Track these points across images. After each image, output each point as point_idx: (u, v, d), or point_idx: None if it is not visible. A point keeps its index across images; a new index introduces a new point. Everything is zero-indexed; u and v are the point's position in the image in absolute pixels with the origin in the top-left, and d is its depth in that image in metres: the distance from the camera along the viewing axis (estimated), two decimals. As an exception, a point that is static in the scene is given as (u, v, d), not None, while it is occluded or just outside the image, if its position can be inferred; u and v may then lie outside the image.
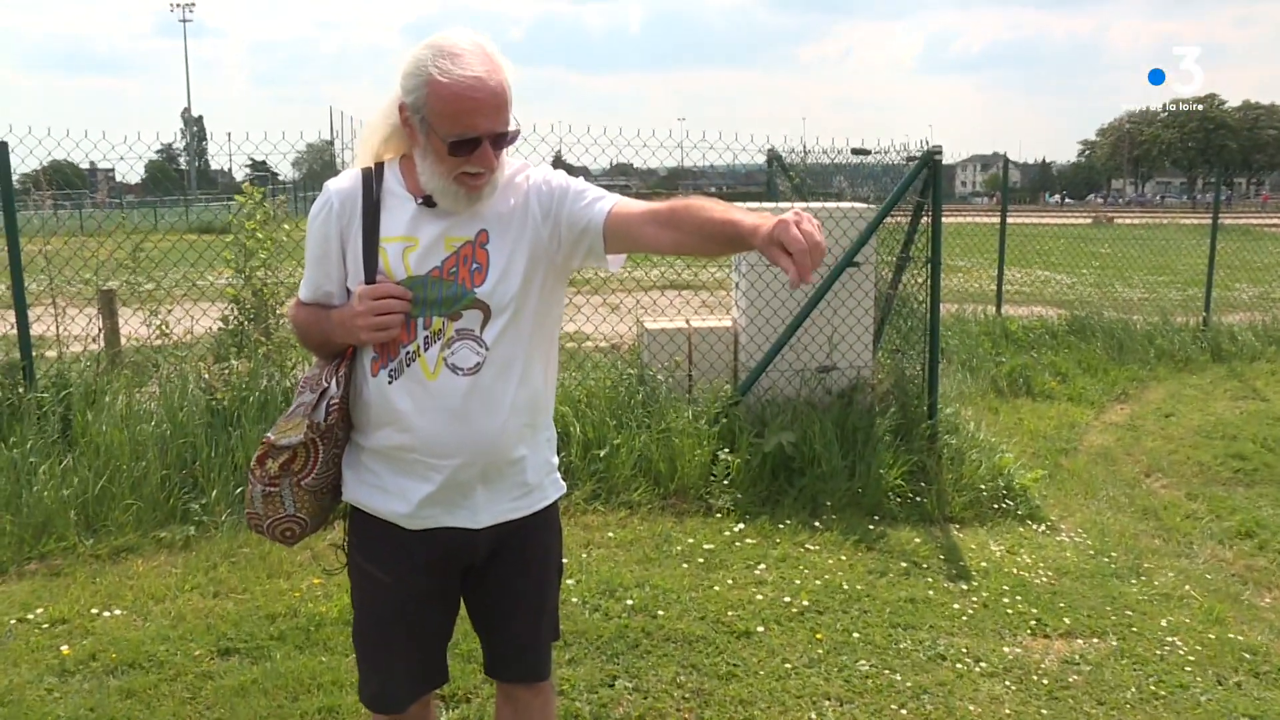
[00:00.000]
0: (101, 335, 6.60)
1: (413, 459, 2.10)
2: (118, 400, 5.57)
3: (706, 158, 7.18)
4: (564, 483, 2.35)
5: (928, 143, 6.10)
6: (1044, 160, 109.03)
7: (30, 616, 4.17)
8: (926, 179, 6.07)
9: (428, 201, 2.07)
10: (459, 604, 2.34)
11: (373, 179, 2.12)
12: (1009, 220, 13.34)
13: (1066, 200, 74.82)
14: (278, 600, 4.29)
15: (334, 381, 2.12)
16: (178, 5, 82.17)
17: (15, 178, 5.87)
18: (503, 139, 2.01)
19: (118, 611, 4.22)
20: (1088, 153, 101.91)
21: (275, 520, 2.20)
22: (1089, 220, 35.33)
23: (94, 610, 4.22)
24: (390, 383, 2.08)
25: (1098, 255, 20.02)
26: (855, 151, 6.76)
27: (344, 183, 2.14)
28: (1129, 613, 4.47)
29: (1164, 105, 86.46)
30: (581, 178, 2.18)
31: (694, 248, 2.03)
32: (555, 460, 2.33)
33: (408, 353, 2.07)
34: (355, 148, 2.27)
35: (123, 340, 6.99)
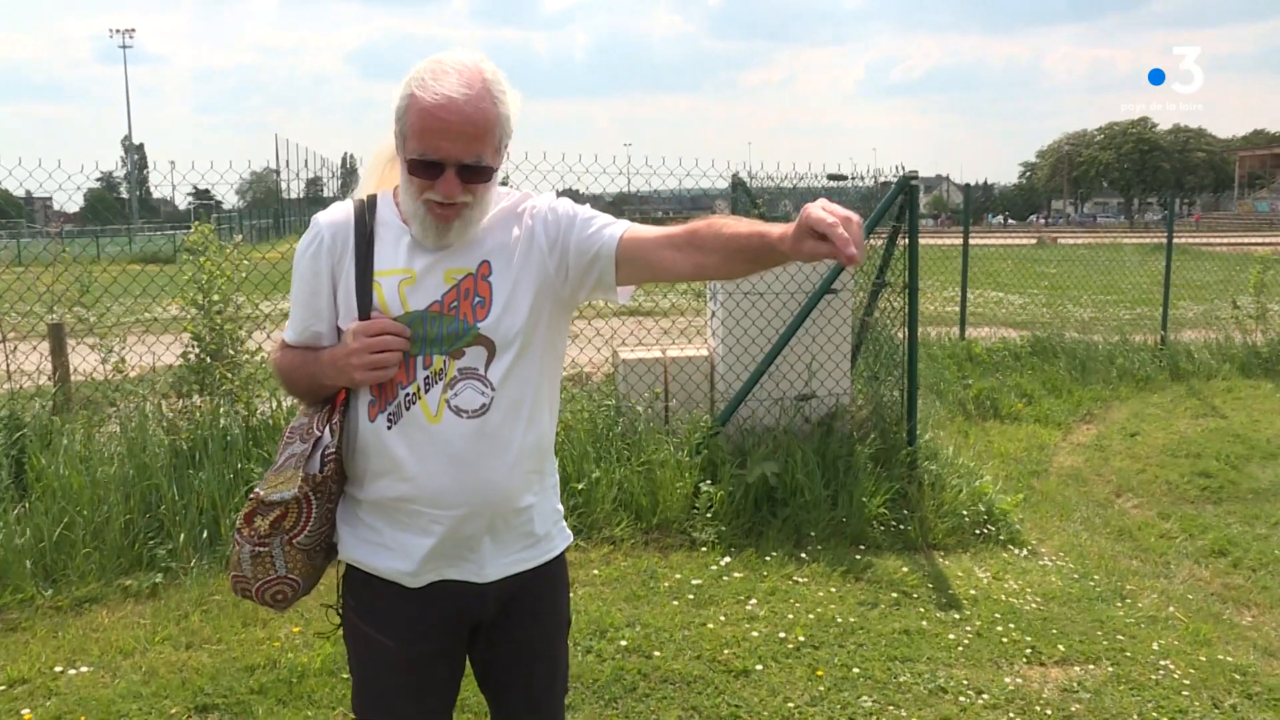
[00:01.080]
0: (55, 372, 6.36)
1: (414, 510, 1.95)
2: (74, 441, 5.33)
3: (651, 183, 7.11)
4: (569, 531, 2.22)
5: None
6: (986, 182, 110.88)
7: (-12, 677, 3.94)
8: (902, 204, 6.05)
9: None
10: (465, 663, 2.18)
11: (365, 210, 1.99)
12: (953, 241, 13.45)
13: (1009, 221, 76.08)
14: (255, 651, 4.10)
15: (327, 429, 1.96)
16: (117, 31, 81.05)
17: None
18: (473, 172, 1.85)
19: (84, 669, 4.00)
20: (1028, 174, 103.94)
21: (266, 583, 2.00)
22: (1033, 240, 35.83)
23: (57, 668, 4.00)
24: (389, 428, 1.92)
25: (1045, 275, 20.29)
26: (831, 177, 6.75)
27: (334, 215, 2.00)
28: (1119, 637, 4.46)
29: (1098, 128, 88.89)
30: (589, 204, 2.05)
31: (718, 269, 1.89)
32: (561, 507, 2.19)
33: (407, 395, 1.91)
34: (361, 178, 2.15)
35: (74, 376, 6.75)
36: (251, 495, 1.99)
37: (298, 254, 2.01)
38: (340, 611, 2.12)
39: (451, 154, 1.83)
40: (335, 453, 1.95)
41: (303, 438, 1.99)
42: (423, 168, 1.85)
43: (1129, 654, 4.29)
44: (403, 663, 2.04)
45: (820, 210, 1.62)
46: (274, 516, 1.96)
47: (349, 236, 1.96)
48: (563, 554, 2.17)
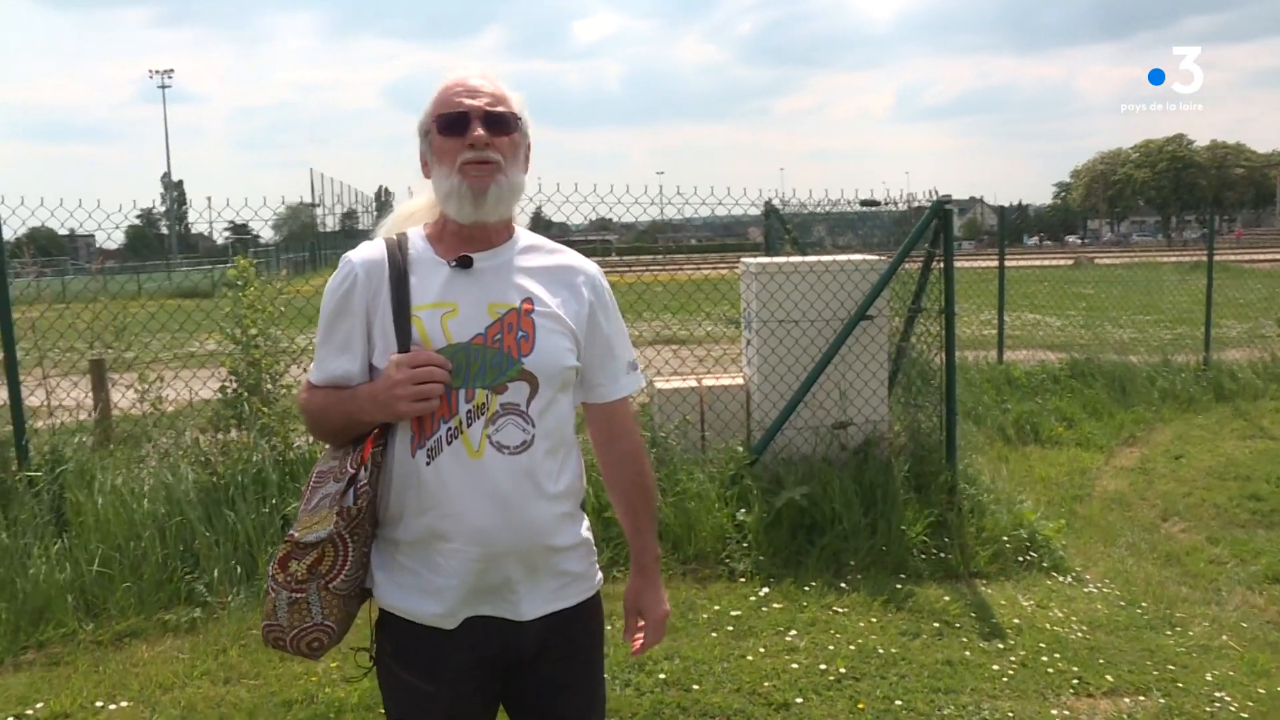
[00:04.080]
0: (96, 408, 6.43)
1: (451, 549, 1.91)
2: (114, 477, 5.37)
3: (683, 212, 7.11)
4: (599, 570, 2.19)
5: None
6: (1021, 203, 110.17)
7: (29, 712, 3.96)
8: (937, 229, 6.00)
9: (462, 263, 1.95)
10: (499, 703, 2.14)
11: (398, 247, 1.99)
12: (993, 264, 13.33)
13: (1045, 242, 75.47)
14: (293, 685, 4.10)
15: (361, 467, 1.93)
16: (156, 72, 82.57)
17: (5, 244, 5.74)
18: (497, 120, 1.95)
19: (124, 703, 4.02)
20: (1063, 195, 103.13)
21: (301, 631, 1.95)
22: (1070, 261, 35.54)
23: (98, 703, 4.02)
24: (428, 463, 1.89)
25: (1083, 296, 20.06)
26: (864, 203, 6.71)
27: (367, 252, 2.00)
28: (1170, 667, 4.35)
29: (1133, 146, 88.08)
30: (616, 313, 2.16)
31: (612, 495, 2.23)
32: (594, 547, 2.17)
33: (449, 429, 1.89)
34: (377, 230, 2.17)
35: (115, 410, 6.82)
36: (286, 538, 1.96)
37: (328, 293, 2.00)
38: (374, 655, 2.08)
39: (475, 106, 1.93)
40: (368, 487, 1.92)
41: (335, 478, 1.96)
42: (450, 122, 1.94)
43: (1181, 685, 4.18)
44: (442, 706, 2.00)
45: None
46: (310, 560, 1.92)
47: (384, 272, 1.96)
48: (598, 593, 2.15)
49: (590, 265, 2.11)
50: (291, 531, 1.95)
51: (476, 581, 1.93)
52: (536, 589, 1.99)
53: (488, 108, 1.95)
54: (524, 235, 2.08)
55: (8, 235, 5.63)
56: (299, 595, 1.93)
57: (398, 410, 1.87)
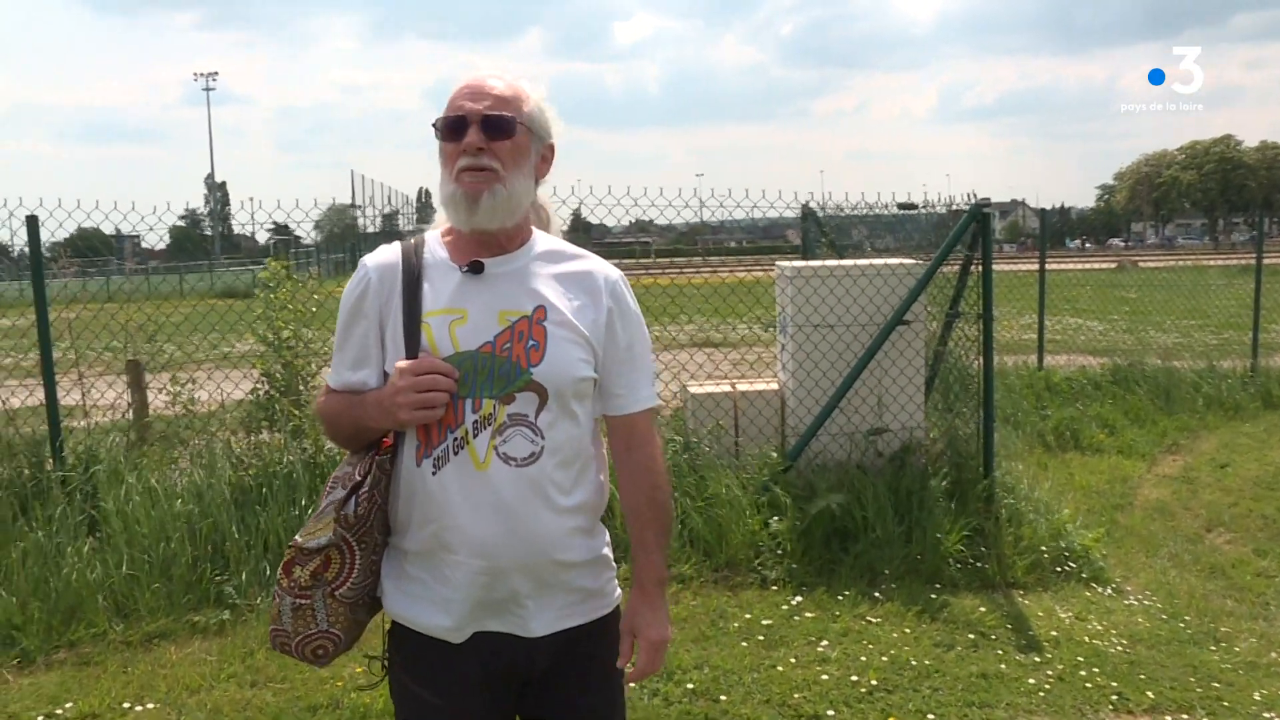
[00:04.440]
0: (130, 409, 6.47)
1: (456, 561, 1.88)
2: (147, 478, 5.40)
3: (716, 215, 7.06)
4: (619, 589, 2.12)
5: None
6: (1063, 206, 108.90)
7: (59, 711, 3.97)
8: (975, 232, 5.90)
9: (473, 267, 1.91)
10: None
11: (413, 251, 1.96)
12: (1034, 267, 13.14)
13: (1088, 245, 74.53)
14: (319, 690, 4.08)
15: (367, 475, 1.90)
16: (201, 75, 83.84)
17: (45, 246, 5.81)
18: (496, 124, 1.89)
19: (150, 705, 4.02)
20: (1106, 197, 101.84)
21: (306, 637, 1.94)
22: (1114, 265, 35.08)
23: (125, 704, 4.03)
24: (434, 473, 1.85)
25: (1126, 300, 19.79)
26: (901, 206, 6.62)
27: (381, 256, 1.97)
28: (1215, 684, 4.23)
29: (1179, 148, 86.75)
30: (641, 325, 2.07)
31: (625, 508, 2.07)
32: (614, 564, 2.10)
33: (455, 439, 1.85)
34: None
35: (150, 411, 6.87)
36: (291, 543, 1.94)
37: (344, 297, 1.97)
38: (386, 665, 2.06)
39: (474, 110, 1.89)
40: (369, 493, 1.89)
41: (344, 485, 1.93)
42: (448, 127, 1.90)
43: (1226, 703, 4.06)
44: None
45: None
46: (314, 566, 1.90)
47: (396, 277, 1.93)
48: (616, 610, 2.08)
49: (612, 270, 2.04)
50: (296, 537, 1.94)
51: (482, 595, 1.89)
52: (546, 605, 1.94)
53: (487, 111, 1.89)
54: (542, 240, 2.02)
55: (54, 236, 5.71)
56: (303, 601, 1.92)
57: (399, 418, 1.83)
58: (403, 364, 1.84)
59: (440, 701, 1.95)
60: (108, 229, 6.57)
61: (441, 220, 2.05)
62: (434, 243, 1.98)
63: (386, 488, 1.92)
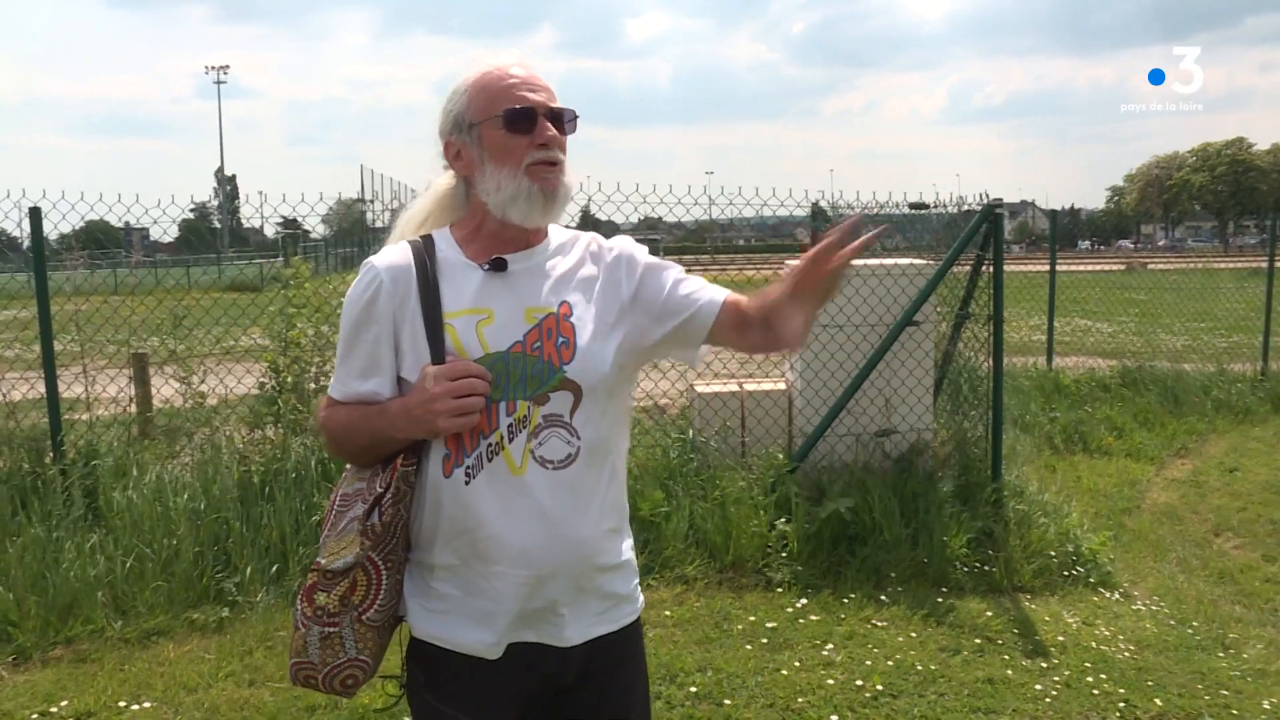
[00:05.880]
0: (134, 402, 6.45)
1: (495, 572, 1.78)
2: (148, 473, 5.37)
3: (726, 212, 7.01)
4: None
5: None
6: (1073, 207, 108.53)
7: (54, 710, 3.94)
8: (987, 233, 5.85)
9: (495, 265, 1.83)
10: None
11: (424, 250, 1.85)
12: (1043, 268, 13.08)
13: (1098, 247, 74.25)
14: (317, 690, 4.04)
15: (388, 489, 1.79)
16: (212, 68, 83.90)
17: (54, 237, 5.80)
18: (560, 116, 1.84)
19: (147, 704, 3.98)
20: (1116, 199, 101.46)
21: (335, 668, 1.80)
22: (1123, 266, 34.96)
23: (122, 702, 3.99)
24: (467, 483, 1.76)
25: (1135, 302, 19.67)
26: (913, 206, 6.57)
27: (391, 257, 1.84)
28: (1224, 692, 4.18)
29: (1190, 150, 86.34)
30: (648, 250, 1.96)
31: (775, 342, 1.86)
32: (636, 567, 2.03)
33: (490, 445, 1.75)
34: (392, 234, 2.00)
35: (155, 404, 6.85)
36: (313, 566, 1.80)
37: (350, 302, 1.86)
38: (405, 684, 1.94)
39: (539, 102, 1.82)
40: (393, 505, 1.78)
41: (363, 499, 1.83)
42: (519, 117, 1.80)
43: (1235, 711, 4.01)
44: None
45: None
46: (342, 591, 1.79)
47: (410, 278, 1.81)
48: (638, 619, 2.01)
49: (619, 242, 1.96)
50: (319, 559, 1.82)
51: (523, 606, 1.81)
52: (581, 612, 1.87)
53: (550, 103, 1.84)
54: (555, 234, 1.95)
55: (62, 229, 5.69)
56: (332, 630, 1.79)
57: (436, 427, 1.72)
58: (433, 369, 1.74)
59: None
60: (116, 222, 6.54)
61: (414, 225, 1.97)
62: (444, 241, 1.89)
63: (410, 502, 1.82)
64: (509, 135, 1.81)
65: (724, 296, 1.88)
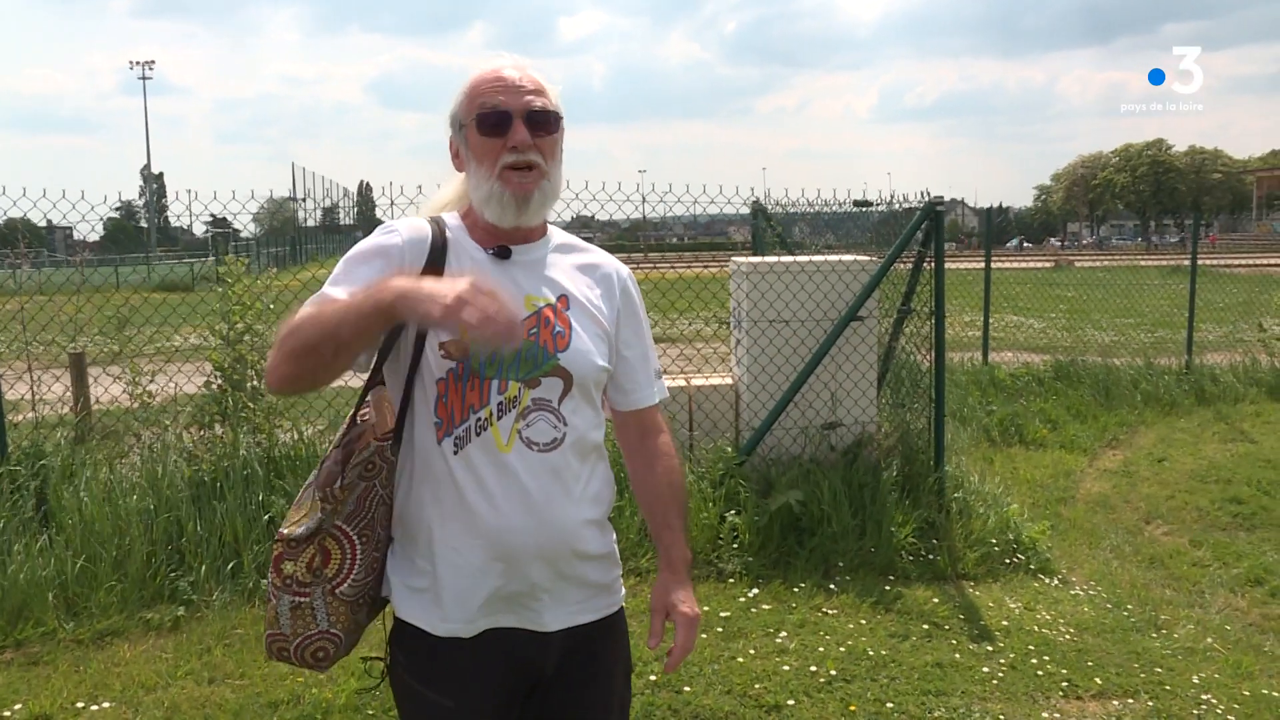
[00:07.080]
0: (77, 403, 6.35)
1: (474, 546, 1.82)
2: (100, 471, 5.30)
3: (659, 210, 7.09)
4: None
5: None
6: (1002, 205, 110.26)
7: (7, 713, 3.88)
8: (928, 230, 5.99)
9: (500, 252, 1.88)
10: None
11: (439, 228, 1.90)
12: (973, 265, 13.34)
13: (1025, 244, 75.66)
14: (278, 686, 4.04)
15: (345, 456, 1.81)
16: (137, 63, 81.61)
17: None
18: (540, 118, 1.85)
19: (105, 704, 3.95)
20: (1043, 198, 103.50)
21: (306, 639, 1.83)
22: (1050, 264, 35.72)
23: (79, 704, 3.95)
24: (455, 452, 1.80)
25: (1064, 299, 20.14)
26: (857, 203, 6.70)
27: (415, 227, 1.88)
28: (1157, 670, 4.37)
29: (1114, 150, 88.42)
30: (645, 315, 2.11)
31: (643, 494, 2.12)
32: (619, 561, 2.08)
33: (479, 419, 1.79)
34: (420, 212, 2.05)
35: (95, 404, 6.74)
36: (277, 536, 1.83)
37: (363, 244, 1.87)
38: (388, 666, 1.97)
39: (516, 104, 1.83)
40: (363, 469, 1.80)
41: (332, 461, 1.85)
42: (490, 121, 1.83)
43: (1168, 687, 4.20)
44: None
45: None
46: (308, 559, 1.82)
47: (424, 250, 1.85)
48: (621, 610, 2.07)
49: (623, 268, 2.05)
50: (281, 529, 1.85)
51: (499, 586, 1.84)
52: (561, 599, 1.91)
53: (530, 107, 1.85)
54: (556, 233, 2.01)
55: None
56: (302, 599, 1.82)
57: (457, 315, 1.51)
58: (469, 278, 1.58)
59: (452, 704, 1.88)
60: (38, 220, 6.33)
61: (442, 203, 2.03)
62: (454, 224, 1.93)
63: (389, 478, 1.85)
64: (482, 137, 1.86)
65: (652, 404, 2.08)
